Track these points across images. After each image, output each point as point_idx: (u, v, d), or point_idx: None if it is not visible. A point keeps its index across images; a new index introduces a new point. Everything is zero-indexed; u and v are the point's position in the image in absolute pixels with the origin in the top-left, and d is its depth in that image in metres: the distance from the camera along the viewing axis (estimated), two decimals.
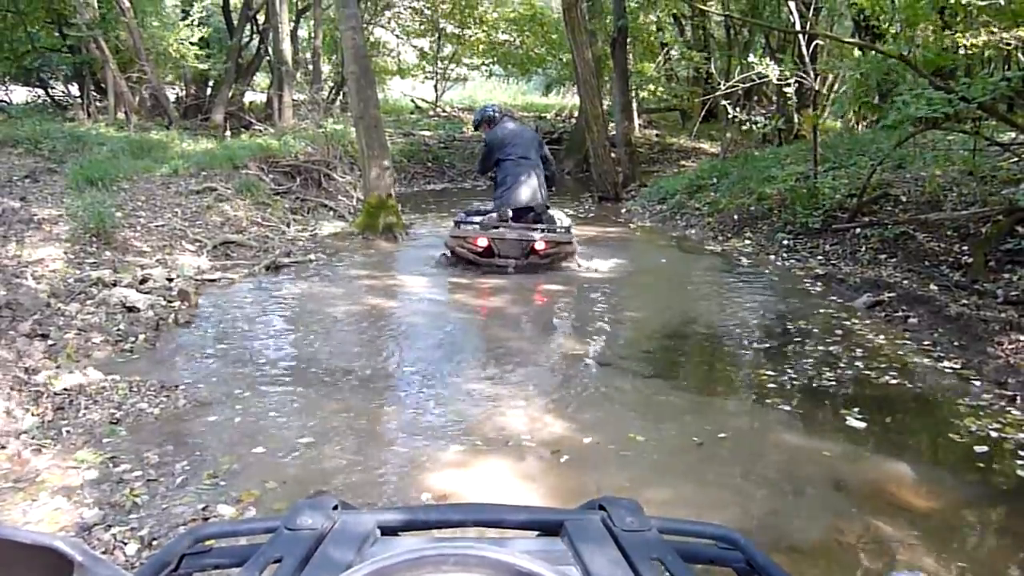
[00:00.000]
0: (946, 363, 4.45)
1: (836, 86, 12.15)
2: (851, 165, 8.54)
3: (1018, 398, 3.84)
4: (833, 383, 4.20)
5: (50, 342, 4.47)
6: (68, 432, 3.41)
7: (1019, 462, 3.26)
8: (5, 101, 17.31)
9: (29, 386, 3.75)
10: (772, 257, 7.48)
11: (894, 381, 4.21)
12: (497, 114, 7.43)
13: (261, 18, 19.13)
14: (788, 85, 7.73)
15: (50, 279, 5.47)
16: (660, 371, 4.48)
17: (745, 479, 3.11)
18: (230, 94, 17.85)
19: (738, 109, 10.10)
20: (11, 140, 10.94)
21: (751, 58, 7.71)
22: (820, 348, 4.78)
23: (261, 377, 4.25)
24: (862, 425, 3.64)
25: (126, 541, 2.56)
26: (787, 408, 3.86)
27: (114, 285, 5.55)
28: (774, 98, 15.79)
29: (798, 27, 7.35)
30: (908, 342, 4.84)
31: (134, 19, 13.70)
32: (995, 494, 3.08)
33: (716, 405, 3.97)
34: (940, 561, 2.52)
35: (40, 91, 18.09)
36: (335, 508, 0.76)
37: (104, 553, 2.47)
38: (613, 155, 13.37)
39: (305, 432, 3.48)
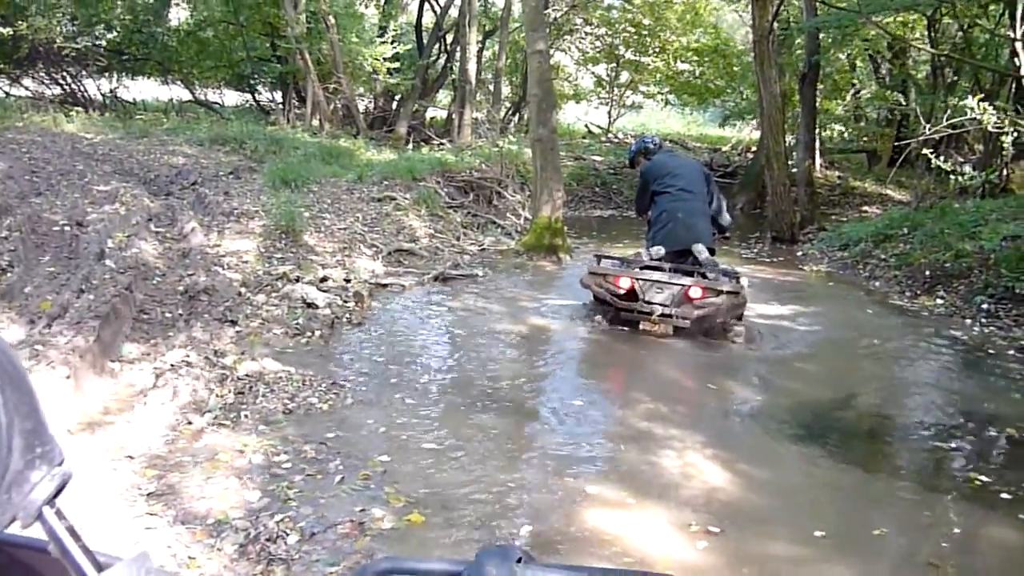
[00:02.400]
0: None
1: None
2: None
3: None
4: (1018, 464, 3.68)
5: (237, 328, 4.82)
6: (246, 416, 3.63)
7: None
8: (218, 103, 19.21)
9: (217, 368, 4.03)
10: (968, 321, 6.76)
11: None
12: (653, 146, 6.47)
13: (450, 38, 20.08)
14: (1005, 133, 7.00)
15: (242, 269, 5.92)
16: (819, 437, 4.06)
17: None
18: (414, 109, 18.79)
19: (939, 157, 9.31)
20: (221, 139, 12.09)
21: (968, 100, 7.02)
22: (1021, 435, 4.22)
23: (422, 386, 4.35)
24: None
25: (288, 532, 2.66)
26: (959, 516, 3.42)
27: (297, 281, 5.91)
28: (978, 147, 14.48)
29: (1023, 70, 6.64)
30: None
31: (336, 35, 14.73)
32: None
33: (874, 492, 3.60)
34: None
35: (248, 96, 19.92)
36: (519, 561, 0.73)
37: (268, 540, 2.58)
38: (792, 194, 12.74)
39: (458, 448, 3.50)
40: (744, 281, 5.82)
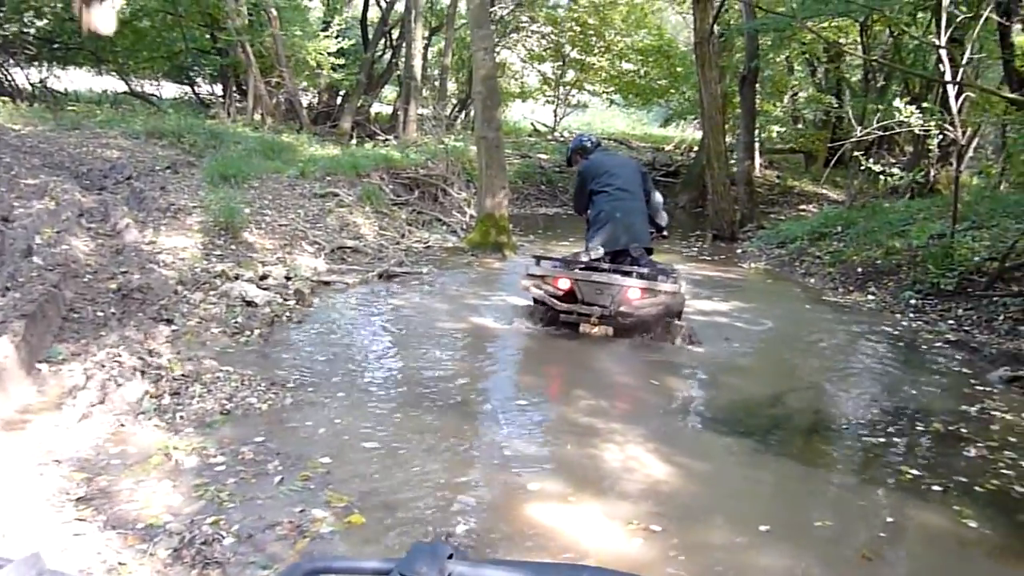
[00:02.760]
0: None
1: (976, 140, 11.40)
2: (993, 226, 7.95)
3: None
4: (956, 471, 3.85)
5: (173, 327, 4.70)
6: (181, 418, 3.55)
7: None
8: (155, 96, 18.67)
9: (151, 368, 3.93)
10: (898, 316, 7.03)
11: (1012, 455, 3.87)
12: (590, 144, 6.28)
13: (396, 33, 19.92)
14: (930, 136, 7.28)
15: (179, 267, 5.78)
16: (757, 432, 4.15)
17: None
18: (359, 104, 18.58)
19: (870, 158, 9.63)
20: (158, 132, 11.73)
21: (896, 103, 7.28)
22: (948, 428, 4.43)
23: (363, 385, 4.31)
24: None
25: (224, 535, 2.61)
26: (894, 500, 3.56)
27: (236, 278, 5.80)
28: (908, 149, 15.02)
29: (948, 76, 6.91)
30: None
31: (279, 28, 14.46)
32: None
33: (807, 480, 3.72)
34: None
35: (188, 88, 19.41)
36: (450, 557, 0.75)
37: (203, 544, 2.53)
38: (732, 193, 13.03)
39: (400, 447, 3.48)
40: (682, 281, 5.84)
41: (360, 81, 18.20)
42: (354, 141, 15.41)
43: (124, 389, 3.58)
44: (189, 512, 2.74)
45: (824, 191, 16.56)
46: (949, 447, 4.03)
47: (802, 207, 15.44)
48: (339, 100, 19.74)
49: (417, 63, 16.10)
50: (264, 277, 6.02)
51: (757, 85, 14.86)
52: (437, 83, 19.09)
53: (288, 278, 6.21)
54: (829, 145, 14.73)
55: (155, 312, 4.75)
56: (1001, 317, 6.44)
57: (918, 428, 4.31)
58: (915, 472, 3.66)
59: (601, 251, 5.68)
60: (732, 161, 13.90)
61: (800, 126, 20.63)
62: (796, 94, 19.33)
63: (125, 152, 10.38)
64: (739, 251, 11.09)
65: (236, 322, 5.00)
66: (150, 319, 4.63)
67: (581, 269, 5.62)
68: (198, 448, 3.24)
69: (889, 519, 3.21)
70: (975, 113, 11.18)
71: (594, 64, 22.34)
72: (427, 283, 7.06)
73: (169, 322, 4.71)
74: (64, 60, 17.74)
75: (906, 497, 3.41)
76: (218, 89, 18.98)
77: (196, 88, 19.31)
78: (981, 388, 5.06)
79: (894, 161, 14.23)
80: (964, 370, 5.45)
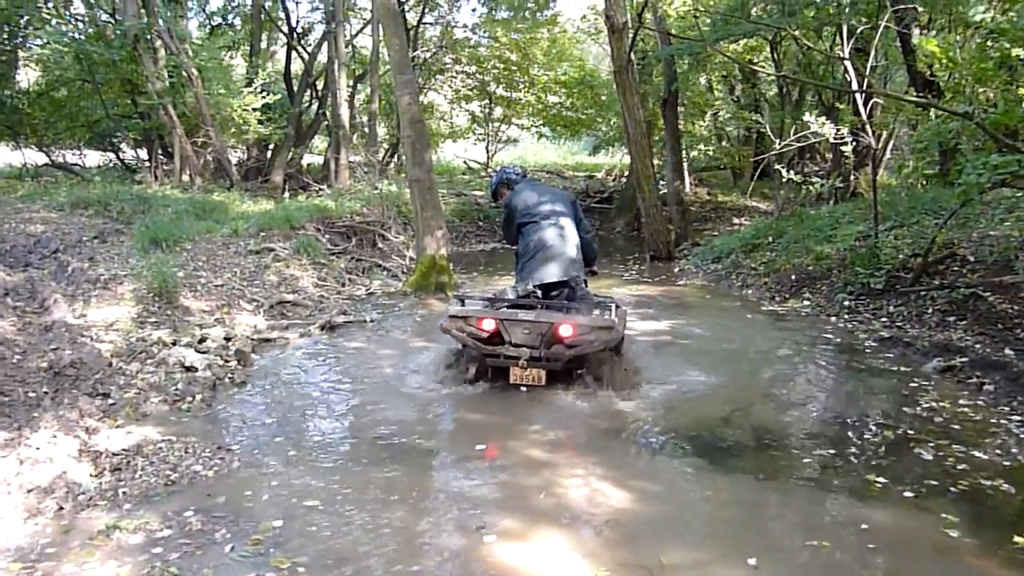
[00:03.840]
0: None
1: (892, 142, 11.96)
2: (913, 223, 8.31)
3: None
4: (902, 456, 3.98)
5: (110, 401, 4.56)
6: (124, 494, 3.43)
7: None
8: (78, 165, 18.22)
9: (89, 446, 3.79)
10: (833, 319, 7.26)
11: (944, 438, 4.09)
12: (514, 176, 5.86)
13: (320, 83, 19.94)
14: (845, 144, 7.61)
15: (113, 339, 5.62)
16: (712, 453, 4.14)
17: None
18: (289, 157, 18.48)
19: (790, 169, 9.99)
20: (83, 202, 11.42)
21: (806, 117, 7.62)
22: (887, 411, 4.58)
23: (311, 442, 4.24)
24: (951, 507, 3.42)
25: None
26: (874, 488, 3.65)
27: (174, 344, 5.66)
28: (828, 156, 15.64)
29: (855, 86, 7.26)
30: (981, 411, 4.60)
31: (201, 87, 14.34)
32: None
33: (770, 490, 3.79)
34: None
35: (111, 155, 19.01)
36: None
37: None
38: (665, 214, 13.34)
39: (351, 503, 3.42)
40: (622, 311, 5.46)
41: (288, 134, 18.13)
42: (287, 194, 15.30)
43: (62, 472, 3.44)
44: None
45: (754, 203, 17.08)
46: (904, 451, 4.11)
47: (735, 221, 15.88)
48: (269, 154, 19.61)
49: (344, 111, 16.13)
50: (203, 340, 5.89)
51: (679, 107, 15.34)
52: (366, 129, 19.14)
53: (227, 339, 6.09)
54: (753, 160, 15.22)
55: (90, 387, 4.60)
56: (930, 310, 6.70)
57: (869, 434, 4.38)
58: (881, 480, 3.71)
59: (531, 286, 5.26)
60: (662, 183, 14.26)
61: (725, 143, 21.32)
62: (717, 113, 19.98)
63: (50, 225, 10.08)
64: (676, 270, 11.33)
65: (176, 389, 4.87)
66: (85, 395, 4.47)
67: (508, 307, 5.22)
68: (142, 525, 3.13)
69: (872, 533, 3.17)
70: (887, 117, 11.72)
71: (520, 99, 22.74)
72: (370, 330, 7.01)
73: (106, 396, 4.56)
74: None
75: (881, 507, 3.42)
76: (143, 153, 18.64)
77: (120, 154, 18.93)
78: (918, 382, 5.26)
79: (817, 169, 14.82)
80: (901, 367, 5.65)
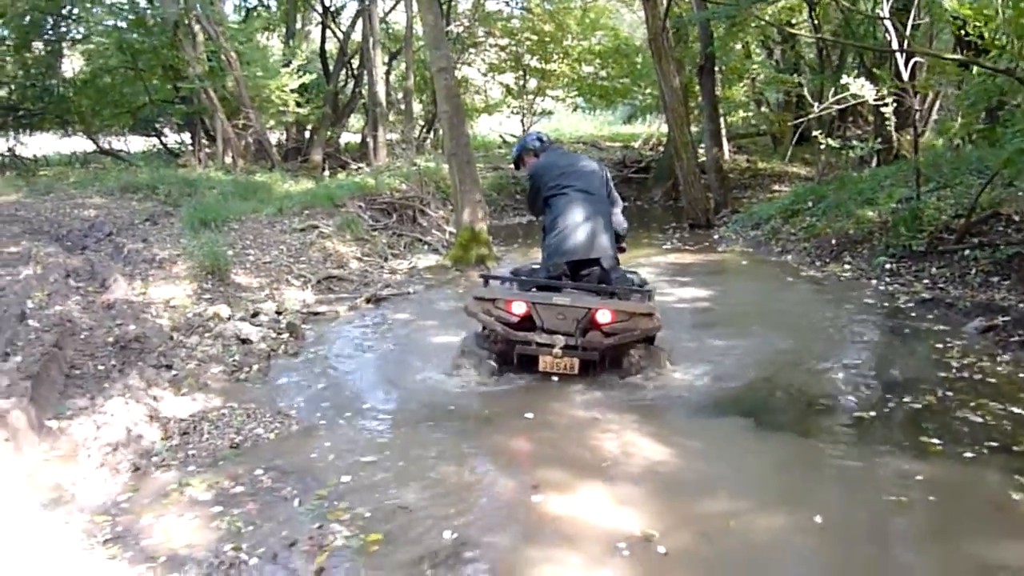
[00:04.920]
0: None
1: (938, 103, 11.71)
2: (957, 184, 8.20)
3: None
4: (939, 412, 4.04)
5: (173, 372, 4.81)
6: (193, 455, 3.66)
7: None
8: (123, 151, 18.74)
9: (157, 413, 4.04)
10: (874, 282, 7.24)
11: (986, 395, 4.16)
12: (538, 144, 5.45)
13: (356, 62, 20.11)
14: (885, 105, 7.52)
15: (172, 315, 5.89)
16: (757, 414, 4.21)
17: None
18: (327, 136, 18.75)
19: (831, 134, 9.88)
20: (132, 187, 11.83)
21: (845, 78, 7.53)
22: (926, 372, 4.62)
23: (366, 406, 4.44)
24: (987, 460, 3.48)
25: (248, 556, 2.74)
26: (910, 446, 3.73)
27: (228, 319, 5.92)
28: (871, 118, 15.34)
29: (895, 45, 7.15)
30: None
31: (240, 70, 14.60)
32: None
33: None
34: None
35: (155, 140, 19.50)
36: None
37: (230, 567, 2.65)
38: (704, 182, 13.27)
39: (407, 459, 3.61)
40: (656, 299, 4.96)
41: (326, 113, 18.37)
42: (327, 173, 15.54)
43: (135, 436, 3.70)
44: (212, 540, 2.87)
45: (794, 169, 16.86)
46: (949, 411, 4.11)
47: (774, 188, 15.71)
48: (307, 134, 19.90)
49: (380, 89, 16.29)
50: (255, 314, 6.14)
51: (716, 73, 15.17)
52: (402, 106, 19.28)
53: (279, 313, 6.34)
54: (791, 124, 15.02)
55: (154, 360, 4.86)
56: (973, 271, 6.65)
57: (911, 396, 4.37)
58: (937, 442, 3.72)
59: (564, 267, 4.91)
60: (700, 150, 14.16)
61: (764, 109, 20.99)
62: (755, 78, 19.67)
63: (102, 210, 10.48)
64: (715, 237, 11.31)
65: (234, 360, 5.12)
66: (150, 367, 4.73)
67: (539, 288, 4.83)
68: (212, 483, 3.36)
69: (931, 490, 3.21)
70: (931, 77, 11.46)
71: (554, 71, 22.61)
72: (415, 303, 7.20)
73: (169, 367, 4.82)
74: (30, 126, 17.82)
75: (939, 465, 3.46)
76: (185, 137, 19.09)
77: (163, 139, 19.41)
78: (959, 343, 5.26)
79: (860, 133, 14.58)
80: (941, 326, 5.65)
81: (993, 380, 4.54)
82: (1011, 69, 5.73)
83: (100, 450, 3.58)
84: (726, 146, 17.86)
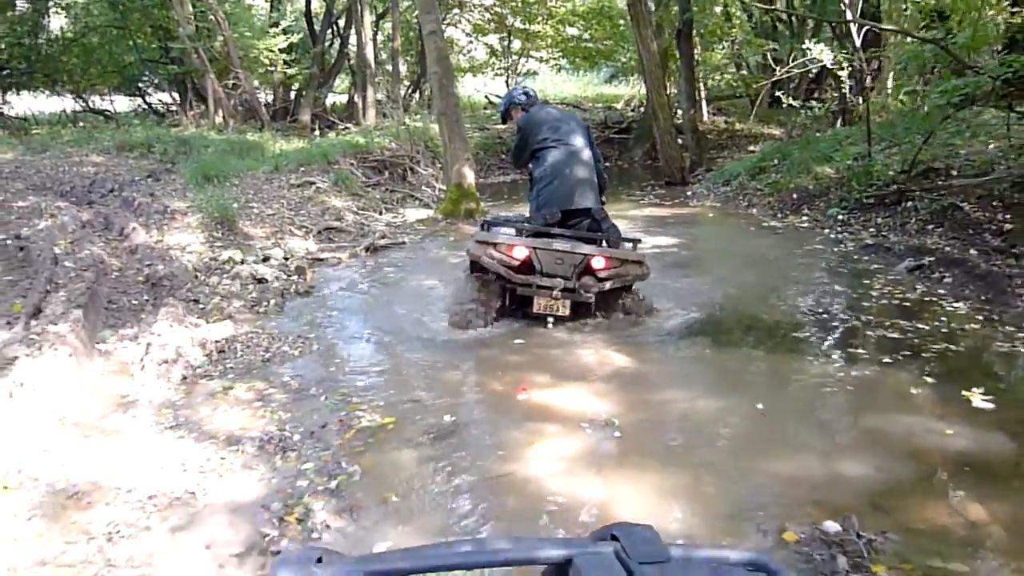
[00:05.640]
0: (972, 312, 5.00)
1: (892, 70, 12.35)
2: (906, 143, 8.89)
3: None
4: (873, 331, 4.78)
5: (201, 306, 5.45)
6: (230, 367, 4.33)
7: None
8: (109, 112, 18.99)
9: (195, 336, 4.69)
10: (827, 231, 7.98)
11: (908, 319, 4.88)
12: (524, 98, 5.67)
13: (341, 22, 20.37)
14: (842, 69, 8.17)
15: (191, 259, 6.50)
16: (715, 335, 5.00)
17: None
18: (315, 96, 19.09)
19: (807, 97, 10.51)
20: (127, 145, 12.22)
21: (805, 44, 8.17)
22: (863, 301, 5.37)
23: (374, 332, 5.12)
24: (905, 365, 4.23)
25: (291, 434, 3.42)
26: (840, 353, 4.47)
27: (242, 263, 6.53)
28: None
29: (849, 15, 7.78)
30: (940, 297, 5.40)
31: (229, 30, 14.92)
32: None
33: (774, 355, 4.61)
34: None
35: (139, 100, 19.72)
36: (319, 561, 0.73)
37: (279, 442, 3.34)
38: (680, 141, 13.89)
39: (412, 369, 4.31)
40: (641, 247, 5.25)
41: (313, 74, 18.70)
42: (316, 133, 15.99)
43: (181, 352, 4.35)
44: (259, 425, 3.55)
45: (770, 131, 17.47)
46: (877, 329, 4.90)
47: (750, 148, 16.31)
48: (294, 95, 20.23)
49: (369, 50, 16.68)
50: (266, 259, 6.75)
51: (695, 37, 15.69)
52: (388, 67, 19.64)
53: (286, 258, 6.96)
54: (758, 86, 15.60)
55: (183, 295, 5.49)
56: (912, 220, 7.39)
57: (848, 318, 5.22)
58: (863, 351, 4.51)
59: (559, 214, 5.16)
60: (678, 112, 14.76)
61: (743, 71, 21.52)
62: (735, 41, 20.16)
63: (100, 167, 10.90)
64: (689, 193, 12.00)
65: (252, 297, 5.76)
66: (181, 300, 5.36)
67: (535, 235, 5.05)
68: (251, 386, 4.04)
69: (855, 387, 4.01)
70: (886, 47, 12.08)
71: (538, 32, 22.98)
72: (410, 250, 7.85)
73: (196, 302, 5.45)
74: (18, 85, 18.00)
75: (863, 368, 4.25)
76: (168, 97, 19.34)
77: (147, 98, 19.64)
78: (891, 278, 6.02)
79: (834, 96, 15.19)
80: (878, 266, 6.41)
81: (909, 306, 5.32)
82: (936, 39, 6.38)
83: (153, 363, 4.23)
84: (705, 108, 18.45)
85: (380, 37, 22.16)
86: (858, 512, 2.65)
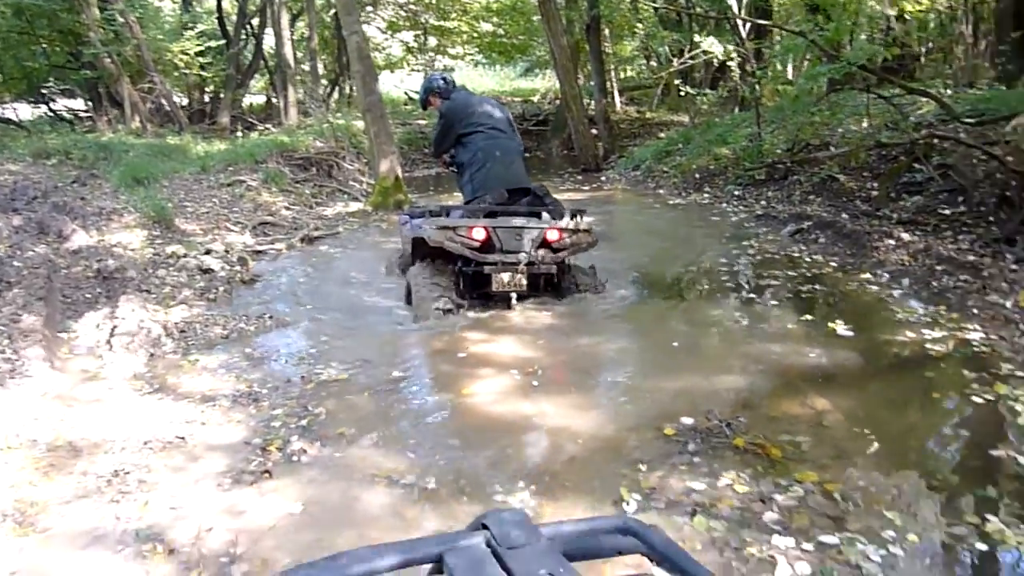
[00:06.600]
0: (839, 264, 5.91)
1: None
2: (792, 124, 9.86)
3: (878, 277, 5.28)
4: (761, 283, 5.59)
5: (153, 295, 5.82)
6: (193, 345, 4.77)
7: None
8: (13, 120, 18.50)
9: (155, 320, 5.09)
10: (724, 205, 8.86)
11: (790, 272, 5.69)
12: (443, 84, 5.73)
13: (255, 22, 20.41)
14: (732, 60, 9.04)
15: (135, 255, 6.81)
16: (627, 294, 5.73)
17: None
18: (232, 98, 19.11)
19: (713, 85, 11.41)
20: (43, 152, 12.13)
21: (697, 38, 9.02)
22: (753, 260, 6.20)
23: (320, 312, 5.57)
24: (784, 307, 5.02)
25: (261, 390, 3.92)
26: (733, 301, 5.24)
27: (185, 256, 6.89)
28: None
29: (735, 10, 8.65)
30: (814, 254, 6.31)
31: (142, 34, 14.90)
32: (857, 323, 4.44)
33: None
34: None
35: (43, 107, 19.22)
36: None
37: (250, 396, 3.83)
38: (594, 131, 14.69)
39: (356, 337, 4.85)
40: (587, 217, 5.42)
41: (230, 75, 18.72)
42: (239, 134, 16.10)
43: (146, 331, 4.76)
44: (228, 385, 4.03)
45: (679, 118, 18.47)
46: (761, 279, 5.85)
47: (660, 135, 17.27)
48: (210, 97, 20.17)
49: (288, 50, 16.85)
50: (208, 252, 7.11)
51: (604, 31, 16.52)
52: (306, 67, 19.80)
53: (227, 251, 7.33)
54: (657, 76, 16.60)
55: (135, 286, 5.84)
56: (797, 192, 8.31)
57: (739, 272, 6.14)
58: (753, 296, 5.43)
59: (506, 194, 5.26)
60: (591, 102, 15.55)
61: (654, 63, 22.57)
62: (643, 33, 21.15)
63: (18, 176, 10.82)
64: (603, 178, 12.82)
65: (200, 286, 6.14)
66: (134, 292, 5.72)
67: (489, 215, 5.13)
68: (215, 358, 4.49)
69: (747, 323, 4.84)
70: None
71: (453, 28, 23.49)
72: (344, 240, 8.31)
73: (148, 292, 5.81)
74: None
75: (752, 307, 5.15)
76: (76, 104, 18.98)
77: (52, 105, 19.21)
78: (775, 240, 6.92)
79: (737, 85, 16.26)
80: (765, 231, 7.29)
81: (790, 262, 6.21)
82: (804, 32, 7.28)
83: (120, 342, 4.63)
84: (618, 98, 19.34)
85: (295, 37, 22.23)
86: (730, 412, 3.35)
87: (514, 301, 5.17)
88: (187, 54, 16.30)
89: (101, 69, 15.88)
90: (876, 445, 3.03)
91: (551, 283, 5.44)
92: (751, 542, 2.39)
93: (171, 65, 16.89)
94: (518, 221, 5.11)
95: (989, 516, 2.50)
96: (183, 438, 3.39)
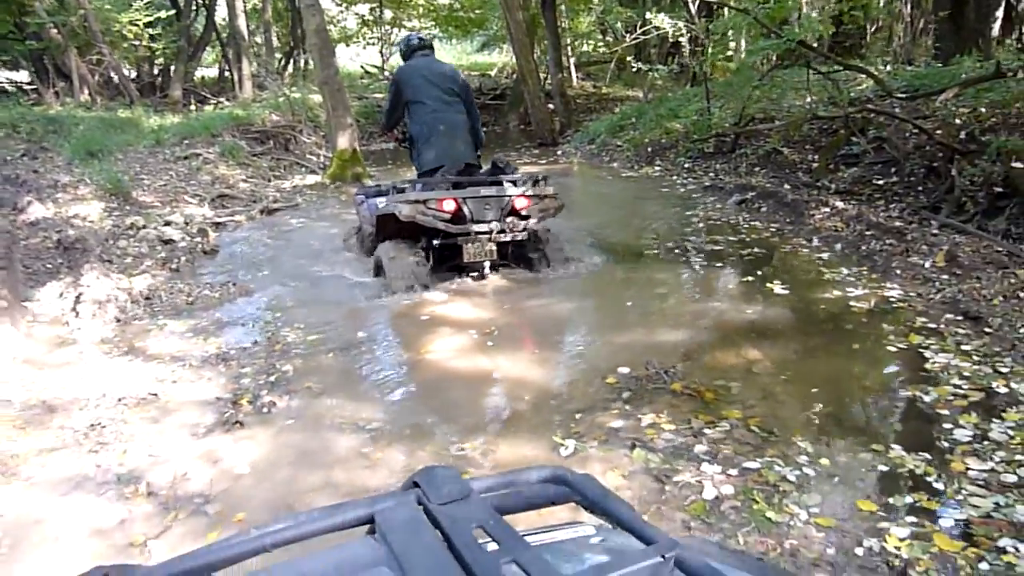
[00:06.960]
0: (777, 230, 6.27)
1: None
2: (739, 99, 10.19)
3: (813, 242, 5.61)
4: (707, 249, 5.91)
5: (115, 265, 5.90)
6: (159, 310, 4.90)
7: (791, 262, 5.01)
8: None
9: (120, 288, 5.20)
10: (675, 178, 9.18)
11: (733, 238, 5.99)
12: (417, 42, 5.76)
13: None
14: (682, 36, 9.32)
15: (95, 226, 6.85)
16: (584, 258, 5.96)
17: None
18: (184, 71, 18.80)
19: (666, 61, 11.68)
20: None
21: (648, 15, 9.27)
22: (700, 228, 6.52)
23: (281, 278, 5.75)
24: (727, 270, 5.34)
25: (230, 351, 4.09)
26: (681, 265, 5.55)
27: (145, 228, 6.94)
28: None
29: None
30: (757, 221, 6.63)
31: (89, 4, 14.57)
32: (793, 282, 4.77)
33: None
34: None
35: None
36: None
37: (219, 357, 4.01)
38: (550, 106, 14.88)
39: (318, 304, 5.02)
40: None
41: (181, 48, 18.40)
42: (193, 108, 15.91)
43: (111, 297, 4.87)
44: (197, 348, 4.19)
45: (634, 93, 18.74)
46: (707, 242, 6.22)
47: (615, 110, 17.54)
48: (159, 70, 19.78)
49: (241, 22, 16.65)
50: (168, 224, 7.17)
51: (561, 6, 16.66)
52: (259, 39, 19.56)
53: (187, 223, 7.39)
54: (612, 51, 16.83)
55: (97, 256, 5.91)
56: (743, 164, 8.66)
57: (687, 237, 6.49)
58: (700, 259, 5.78)
59: (462, 164, 5.35)
60: (547, 77, 15.73)
61: (610, 38, 22.78)
62: (599, 8, 21.32)
63: None
64: (559, 152, 13.05)
65: (162, 256, 6.24)
66: (96, 261, 5.79)
67: (452, 188, 5.13)
68: (183, 323, 4.64)
69: (693, 279, 5.11)
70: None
71: (409, 1, 23.34)
72: (303, 212, 8.42)
73: (110, 262, 5.89)
74: None
75: (702, 268, 5.58)
76: (16, 75, 18.47)
77: None
78: (721, 208, 7.25)
79: (687, 60, 16.57)
80: (712, 201, 7.63)
81: (733, 229, 6.55)
82: (747, 9, 7.57)
83: (87, 308, 4.74)
84: (574, 73, 19.52)
85: (248, 8, 21.87)
86: (669, 362, 3.64)
87: (487, 270, 5.26)
88: (136, 25, 15.97)
89: (47, 40, 15.51)
90: (798, 387, 3.35)
91: (522, 257, 5.56)
92: (682, 470, 2.68)
93: (120, 36, 16.51)
94: (488, 191, 5.17)
95: (893, 445, 2.83)
96: (156, 394, 3.56)
